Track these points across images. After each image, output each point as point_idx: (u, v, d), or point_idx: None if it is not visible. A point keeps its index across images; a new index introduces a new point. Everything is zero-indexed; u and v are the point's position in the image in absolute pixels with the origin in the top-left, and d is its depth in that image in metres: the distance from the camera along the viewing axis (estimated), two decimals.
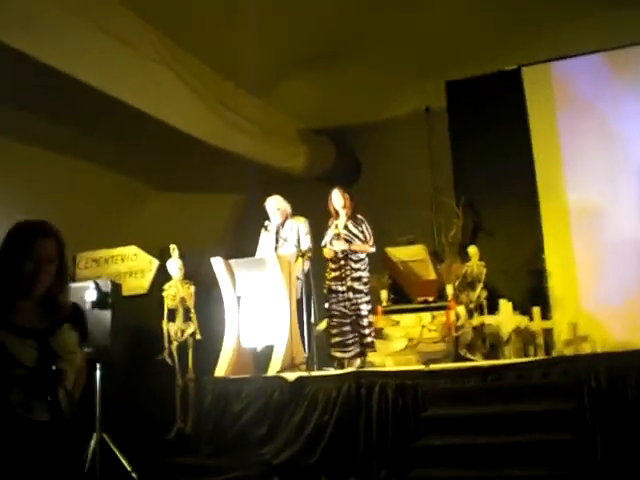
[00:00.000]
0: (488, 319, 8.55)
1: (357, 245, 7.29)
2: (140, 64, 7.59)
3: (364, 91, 10.71)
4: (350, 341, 7.17)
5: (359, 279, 7.23)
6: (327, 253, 7.34)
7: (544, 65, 9.94)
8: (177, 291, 7.79)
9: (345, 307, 7.20)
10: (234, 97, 9.33)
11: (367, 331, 7.20)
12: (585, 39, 9.28)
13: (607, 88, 9.52)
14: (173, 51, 8.07)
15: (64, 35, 6.70)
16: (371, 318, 7.34)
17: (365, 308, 7.21)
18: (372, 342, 7.27)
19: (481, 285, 8.86)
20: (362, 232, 7.32)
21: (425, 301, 8.70)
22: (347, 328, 7.19)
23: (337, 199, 7.42)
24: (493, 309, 8.74)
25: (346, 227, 7.35)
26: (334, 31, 9.26)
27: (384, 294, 8.98)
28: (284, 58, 9.58)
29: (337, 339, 7.20)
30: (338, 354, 7.20)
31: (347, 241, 7.28)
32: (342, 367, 7.12)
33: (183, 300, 7.79)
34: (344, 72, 10.33)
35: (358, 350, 7.17)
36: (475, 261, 9.03)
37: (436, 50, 9.83)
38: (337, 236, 7.32)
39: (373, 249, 7.36)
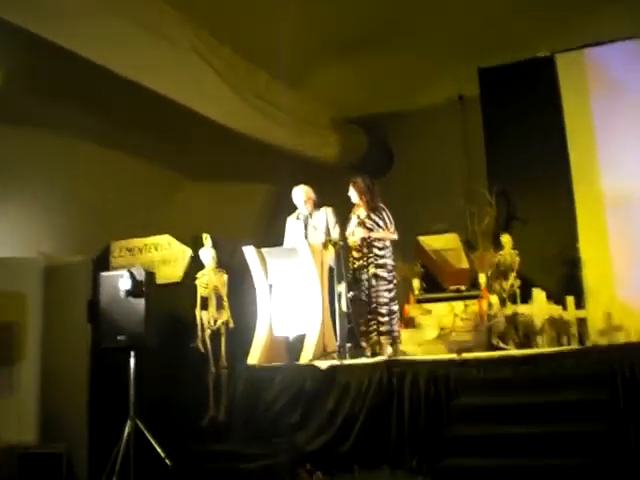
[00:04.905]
0: (521, 308, 8.49)
1: (378, 233, 7.28)
2: (174, 56, 7.65)
3: (396, 79, 10.66)
4: (371, 328, 7.17)
5: (383, 266, 7.23)
6: (352, 243, 7.34)
7: (578, 52, 9.80)
8: (210, 279, 7.85)
9: (366, 295, 7.19)
10: (267, 86, 9.36)
11: (385, 319, 7.16)
12: (619, 25, 9.13)
13: None
14: (206, 42, 8.11)
15: (100, 28, 6.78)
16: (394, 307, 7.29)
17: (386, 296, 7.19)
18: (388, 330, 7.18)
19: (514, 274, 8.82)
20: (382, 219, 7.31)
21: (458, 290, 8.66)
22: (369, 316, 7.18)
23: (352, 194, 7.43)
24: (526, 298, 8.69)
25: (368, 216, 7.34)
26: (366, 19, 9.22)
27: (416, 283, 8.95)
28: (316, 46, 9.57)
29: (361, 328, 7.22)
30: (363, 343, 7.21)
31: (368, 229, 7.28)
32: (374, 356, 7.12)
33: (216, 288, 7.84)
34: (376, 60, 10.29)
35: (376, 339, 7.15)
36: (508, 250, 8.98)
37: (469, 37, 9.74)
38: (359, 225, 7.32)
39: (395, 236, 7.34)
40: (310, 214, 7.70)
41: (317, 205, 7.75)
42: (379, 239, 7.25)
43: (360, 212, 7.40)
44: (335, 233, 7.48)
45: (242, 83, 8.79)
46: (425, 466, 5.52)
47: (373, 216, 7.32)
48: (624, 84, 9.44)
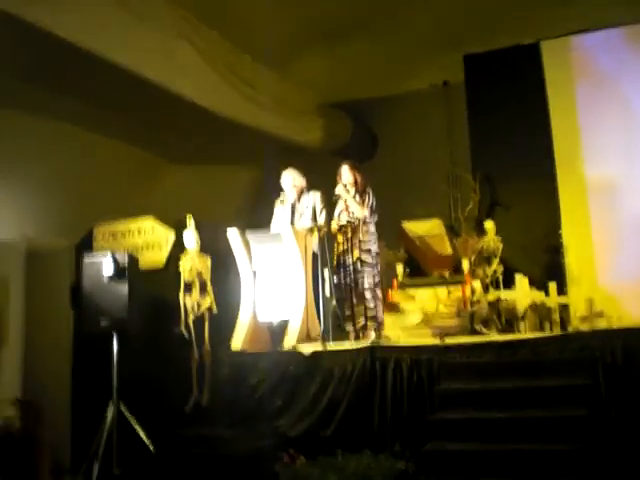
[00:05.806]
0: (504, 294, 8.53)
1: (355, 207, 7.25)
2: (159, 39, 7.57)
3: (382, 65, 10.65)
4: (356, 313, 7.18)
5: (368, 251, 7.25)
6: (333, 228, 7.35)
7: (564, 39, 9.82)
8: (193, 264, 7.81)
9: (351, 280, 7.20)
10: (252, 71, 9.31)
11: (371, 304, 7.19)
12: (605, 13, 9.16)
13: (627, 64, 9.39)
14: (192, 25, 8.04)
15: (84, 12, 6.70)
16: (378, 292, 7.31)
17: (370, 281, 7.20)
18: (375, 316, 7.22)
19: (497, 260, 8.86)
20: (364, 201, 7.31)
21: (441, 276, 8.70)
22: (354, 301, 7.19)
23: (346, 176, 7.42)
24: (509, 284, 8.73)
25: (353, 199, 7.33)
26: (352, 4, 9.19)
27: (400, 268, 8.98)
28: (302, 32, 9.52)
29: (346, 312, 7.23)
30: (348, 327, 7.23)
31: (351, 212, 7.28)
32: (357, 340, 7.13)
33: (199, 273, 7.81)
34: (362, 46, 10.25)
35: (363, 323, 7.17)
36: (491, 236, 9.01)
37: (454, 23, 9.72)
38: (344, 209, 7.31)
39: (366, 213, 7.29)
40: (298, 199, 7.69)
41: (305, 190, 7.74)
42: (365, 223, 7.24)
43: (347, 197, 7.39)
44: (322, 218, 7.48)
45: (227, 67, 8.74)
46: (408, 450, 5.54)
47: (358, 199, 7.33)
48: (609, 72, 9.47)
